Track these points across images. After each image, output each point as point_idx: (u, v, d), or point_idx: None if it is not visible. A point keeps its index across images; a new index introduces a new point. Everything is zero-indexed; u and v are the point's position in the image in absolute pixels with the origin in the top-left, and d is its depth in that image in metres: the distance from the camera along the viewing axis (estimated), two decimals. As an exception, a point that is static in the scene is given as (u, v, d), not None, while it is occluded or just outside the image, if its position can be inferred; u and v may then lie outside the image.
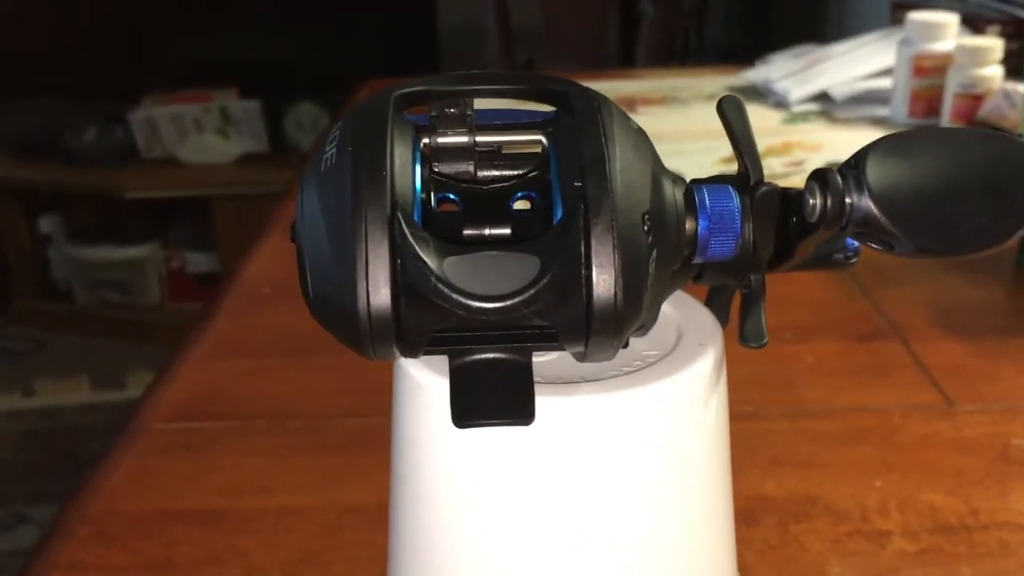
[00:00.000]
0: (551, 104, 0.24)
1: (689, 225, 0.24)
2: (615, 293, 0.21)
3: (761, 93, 1.09)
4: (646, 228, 0.22)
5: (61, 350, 2.15)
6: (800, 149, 0.91)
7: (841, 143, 0.92)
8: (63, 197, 2.17)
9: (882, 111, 1.00)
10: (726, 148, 0.99)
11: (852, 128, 0.97)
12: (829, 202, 0.23)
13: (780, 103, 1.05)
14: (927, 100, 0.95)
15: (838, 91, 1.03)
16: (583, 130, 0.22)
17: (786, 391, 0.52)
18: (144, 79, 2.23)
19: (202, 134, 2.13)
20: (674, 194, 0.24)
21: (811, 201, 0.24)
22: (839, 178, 0.24)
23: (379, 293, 0.21)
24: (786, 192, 0.25)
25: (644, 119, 1.04)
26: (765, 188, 0.24)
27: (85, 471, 0.48)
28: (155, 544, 0.42)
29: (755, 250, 0.25)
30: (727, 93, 0.26)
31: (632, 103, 1.10)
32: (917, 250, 0.23)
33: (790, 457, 0.47)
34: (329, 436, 0.50)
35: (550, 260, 0.21)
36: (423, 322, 0.21)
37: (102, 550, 0.42)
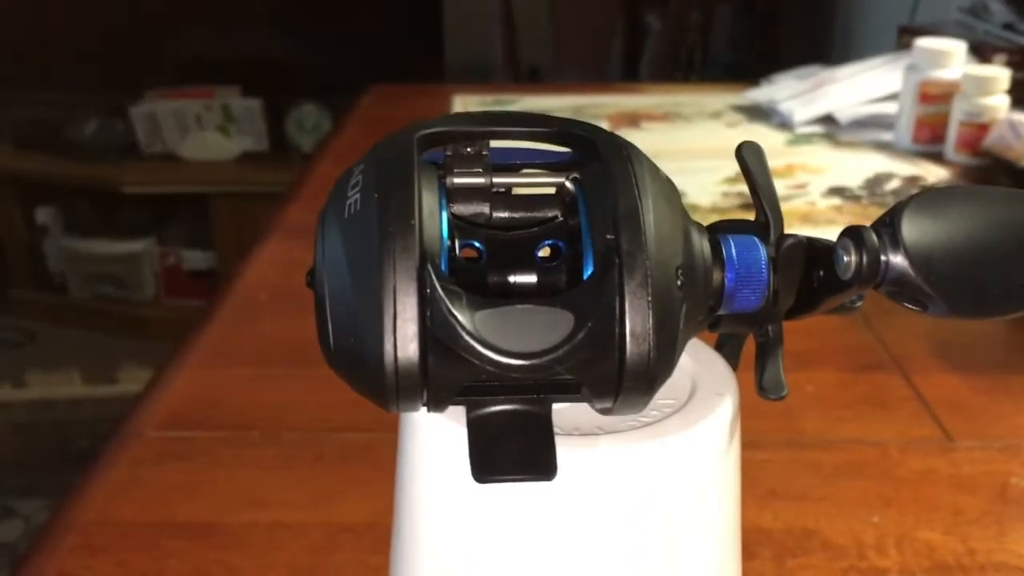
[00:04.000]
0: (576, 149, 0.24)
1: (716, 276, 0.24)
2: (649, 350, 0.20)
3: (765, 113, 1.09)
4: (679, 283, 0.21)
5: (54, 342, 2.14)
6: (803, 171, 0.91)
7: (844, 166, 0.92)
8: (62, 189, 2.16)
9: (886, 136, 1.00)
10: (729, 167, 0.99)
11: (855, 152, 0.97)
12: (865, 260, 0.23)
13: (784, 124, 1.05)
14: (932, 127, 0.95)
15: (842, 114, 1.03)
16: (614, 180, 0.22)
17: (785, 420, 0.52)
18: (147, 73, 2.23)
19: (203, 131, 2.12)
20: (702, 245, 0.23)
21: (845, 258, 0.23)
22: (874, 236, 0.23)
23: (407, 347, 0.20)
24: (812, 244, 0.25)
25: (647, 135, 1.04)
26: (791, 241, 0.24)
27: (73, 466, 0.48)
28: (144, 557, 0.42)
29: (775, 301, 0.24)
30: (746, 141, 0.25)
31: (635, 118, 1.09)
32: (952, 312, 0.23)
33: (788, 489, 0.46)
34: (325, 449, 0.49)
35: (584, 316, 0.20)
36: (451, 378, 0.21)
37: (89, 561, 0.41)
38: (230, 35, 2.25)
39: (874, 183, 0.88)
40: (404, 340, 0.20)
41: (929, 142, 0.95)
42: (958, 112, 0.93)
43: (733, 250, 0.24)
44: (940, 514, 0.45)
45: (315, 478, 0.47)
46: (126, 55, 2.25)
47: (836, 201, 0.83)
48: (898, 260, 0.23)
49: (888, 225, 0.23)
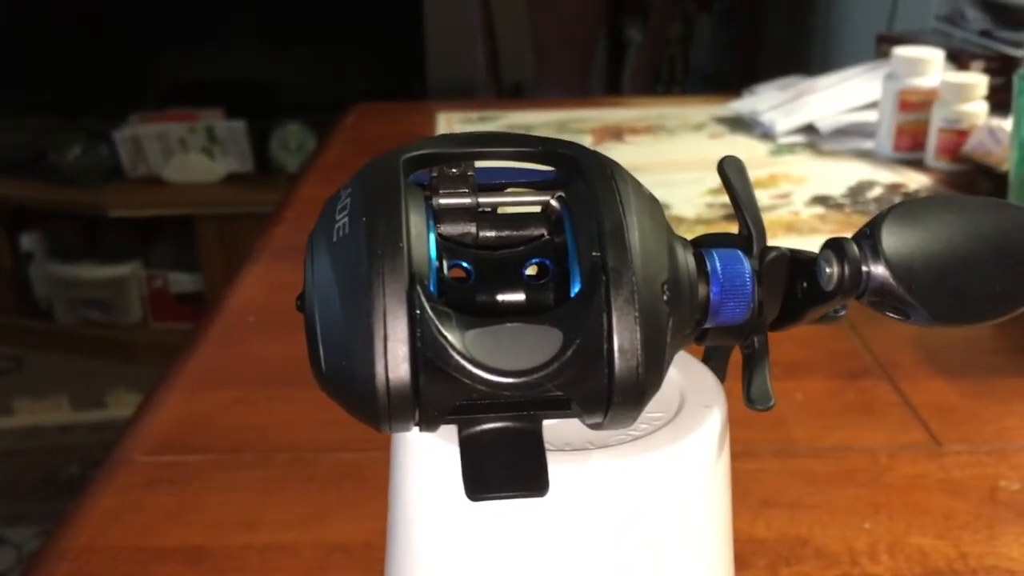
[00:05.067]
0: (560, 168, 0.24)
1: (701, 290, 0.24)
2: (637, 366, 0.21)
3: (747, 124, 1.10)
4: (666, 298, 0.22)
5: (41, 369, 2.13)
6: (786, 181, 0.92)
7: (826, 175, 0.93)
8: (46, 214, 2.16)
9: (867, 144, 1.00)
10: (713, 179, 1.00)
11: (837, 160, 0.98)
12: (847, 271, 0.23)
13: (766, 134, 1.05)
14: (912, 135, 0.96)
15: (824, 123, 1.04)
16: (599, 198, 0.22)
17: (776, 429, 0.52)
18: (130, 97, 2.23)
19: (187, 153, 2.12)
20: (686, 260, 0.24)
21: (827, 270, 0.24)
22: (855, 247, 0.24)
23: (399, 369, 0.20)
24: (794, 256, 0.25)
25: (630, 148, 1.05)
26: (774, 254, 0.24)
27: (63, 493, 0.48)
28: (137, 583, 0.42)
29: (760, 313, 0.24)
30: (727, 156, 0.26)
31: (619, 132, 1.10)
32: (934, 319, 0.23)
33: (780, 497, 0.47)
34: (317, 470, 0.49)
35: (572, 333, 0.21)
36: (443, 397, 0.21)
37: (83, 588, 0.41)
38: (212, 57, 2.25)
39: (857, 191, 0.89)
40: (395, 361, 0.20)
41: (910, 149, 0.96)
42: (937, 119, 0.93)
43: (717, 264, 0.24)
44: (931, 519, 0.45)
45: (307, 499, 0.47)
46: (109, 79, 2.25)
47: (819, 210, 0.84)
48: (879, 270, 0.23)
49: (869, 236, 0.24)
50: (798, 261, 0.25)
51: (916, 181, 0.91)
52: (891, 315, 0.24)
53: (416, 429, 0.22)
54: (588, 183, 0.23)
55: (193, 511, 0.46)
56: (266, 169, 2.16)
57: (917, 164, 0.95)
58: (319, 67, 2.25)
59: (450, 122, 1.14)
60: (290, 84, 2.26)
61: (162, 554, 0.43)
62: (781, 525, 0.45)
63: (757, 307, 0.24)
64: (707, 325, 0.24)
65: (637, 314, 0.21)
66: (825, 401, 0.56)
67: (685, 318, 0.23)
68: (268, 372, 0.59)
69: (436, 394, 0.21)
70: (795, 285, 0.25)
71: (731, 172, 0.25)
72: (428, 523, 0.25)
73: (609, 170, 0.23)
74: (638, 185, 0.23)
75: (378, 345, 0.20)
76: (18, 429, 1.92)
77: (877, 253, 0.23)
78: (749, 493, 0.46)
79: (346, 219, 0.22)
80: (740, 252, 0.24)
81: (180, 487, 0.48)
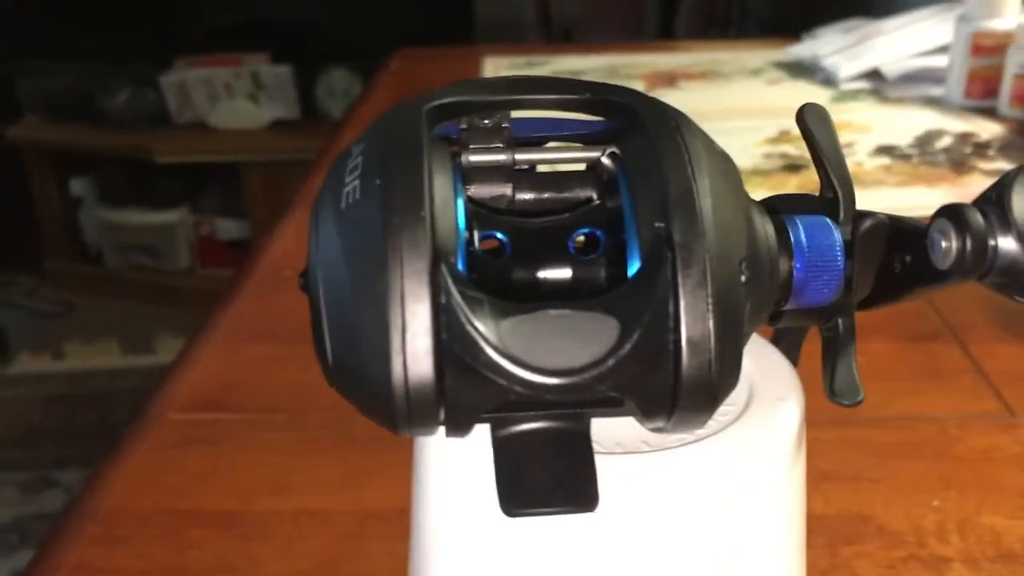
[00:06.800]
0: (613, 118, 0.20)
1: (782, 266, 0.20)
2: (709, 362, 0.17)
3: (808, 69, 1.05)
4: (744, 279, 0.18)
5: (91, 313, 2.15)
6: (849, 130, 0.87)
7: (892, 124, 0.88)
8: (95, 159, 2.17)
9: (936, 91, 0.95)
10: (771, 127, 0.96)
11: (904, 108, 0.93)
12: (969, 246, 0.19)
13: (828, 80, 1.01)
14: (985, 81, 0.91)
15: (890, 69, 0.99)
16: (662, 155, 0.18)
17: (836, 396, 0.49)
18: (176, 42, 2.21)
19: (233, 99, 2.11)
20: (766, 231, 0.20)
21: (943, 244, 0.20)
22: (979, 216, 0.20)
23: (420, 366, 0.17)
24: (895, 224, 0.21)
25: (685, 95, 1.00)
26: (870, 221, 0.21)
27: (112, 437, 0.46)
28: (165, 548, 0.40)
29: (848, 291, 0.21)
30: (809, 104, 0.22)
31: (672, 78, 1.06)
32: None
33: (840, 471, 0.44)
34: (354, 432, 0.47)
35: (631, 323, 0.17)
36: (474, 400, 0.18)
37: (108, 553, 0.40)
38: (257, 2, 2.23)
39: (924, 141, 0.84)
40: (416, 358, 0.17)
41: (982, 96, 0.91)
42: (1013, 64, 0.88)
43: (802, 234, 0.20)
44: (1005, 496, 0.42)
45: (342, 463, 0.45)
46: (155, 24, 2.23)
47: (885, 160, 0.79)
48: (1009, 245, 0.19)
49: (995, 203, 0.20)
50: (899, 231, 0.21)
51: (988, 131, 0.86)
52: (1020, 299, 0.20)
53: (437, 436, 0.19)
54: (648, 137, 0.19)
55: (224, 474, 0.45)
56: (312, 116, 2.14)
57: (990, 112, 0.90)
58: (366, 11, 2.21)
59: (497, 67, 1.11)
60: (336, 28, 2.22)
61: (191, 517, 0.42)
62: (841, 501, 0.42)
63: (845, 284, 0.21)
64: (787, 307, 0.21)
65: (710, 300, 0.17)
66: (889, 365, 0.52)
67: (764, 302, 0.20)
68: (304, 328, 0.57)
69: (465, 396, 0.17)
70: (893, 258, 0.21)
71: (813, 122, 0.21)
72: (455, 538, 0.22)
73: (674, 121, 0.19)
74: (709, 140, 0.20)
75: (395, 337, 0.17)
76: (69, 373, 1.94)
77: (1007, 223, 0.19)
78: (807, 465, 0.44)
79: (357, 182, 0.18)
80: (828, 220, 0.21)
81: (212, 447, 0.47)
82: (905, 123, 0.88)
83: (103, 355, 2.00)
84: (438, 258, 0.17)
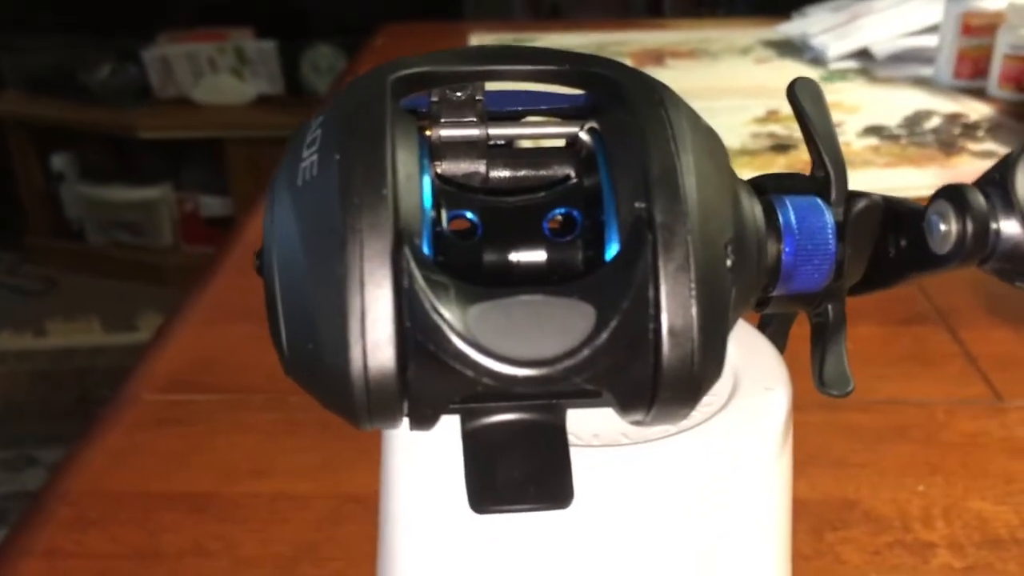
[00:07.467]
0: (593, 91, 0.19)
1: (771, 249, 0.19)
2: (692, 352, 0.16)
3: (797, 48, 1.04)
4: (729, 263, 0.17)
5: (73, 290, 2.13)
6: (838, 110, 0.86)
7: (881, 104, 0.88)
8: (76, 135, 2.14)
9: (925, 71, 0.95)
10: (759, 106, 0.95)
11: (893, 88, 0.92)
12: (969, 229, 0.18)
13: (817, 59, 1.00)
14: (974, 61, 0.90)
15: (879, 48, 0.98)
16: (644, 131, 0.17)
17: (822, 379, 0.48)
18: (159, 16, 2.18)
19: (217, 74, 2.08)
20: (753, 212, 0.19)
21: (942, 227, 0.19)
22: (981, 197, 0.19)
23: (380, 355, 0.16)
24: (890, 206, 0.20)
25: (673, 73, 0.99)
26: (864, 203, 0.20)
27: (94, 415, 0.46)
28: (138, 531, 0.39)
29: (839, 275, 0.20)
30: (800, 78, 0.21)
31: (660, 55, 1.05)
32: None
33: (825, 455, 0.43)
34: (332, 415, 0.46)
35: (609, 309, 0.16)
36: (439, 391, 0.16)
37: (80, 536, 0.39)
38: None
39: (913, 121, 0.83)
40: (376, 346, 0.16)
41: (971, 77, 0.91)
42: (1003, 45, 0.88)
43: (792, 216, 0.19)
44: (991, 482, 0.42)
45: (321, 445, 0.44)
46: (137, -3, 2.20)
47: (873, 141, 0.79)
48: (1012, 228, 0.18)
49: (997, 184, 0.19)
50: (894, 212, 0.20)
51: (977, 111, 0.86)
52: (1022, 285, 0.19)
53: (405, 425, 0.18)
54: (630, 111, 0.18)
55: (200, 455, 0.44)
56: (297, 92, 2.12)
57: (979, 93, 0.89)
58: (352, -14, 2.19)
59: (482, 44, 1.10)
60: (321, 4, 2.20)
61: (165, 500, 0.41)
62: (826, 485, 0.41)
63: (836, 269, 0.20)
64: (775, 292, 0.20)
65: (693, 285, 0.16)
66: (876, 349, 0.52)
67: (751, 287, 0.19)
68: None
69: (429, 387, 0.16)
70: (887, 242, 0.20)
71: (805, 98, 0.20)
72: (422, 535, 0.21)
73: (658, 95, 0.18)
74: (695, 116, 0.18)
75: (353, 324, 0.16)
76: (51, 350, 1.93)
77: (1010, 205, 0.18)
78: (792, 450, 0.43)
79: (315, 156, 0.17)
80: (819, 200, 0.20)
81: (187, 428, 0.46)
82: (894, 103, 0.88)
83: (85, 332, 1.98)
84: (401, 239, 0.16)
